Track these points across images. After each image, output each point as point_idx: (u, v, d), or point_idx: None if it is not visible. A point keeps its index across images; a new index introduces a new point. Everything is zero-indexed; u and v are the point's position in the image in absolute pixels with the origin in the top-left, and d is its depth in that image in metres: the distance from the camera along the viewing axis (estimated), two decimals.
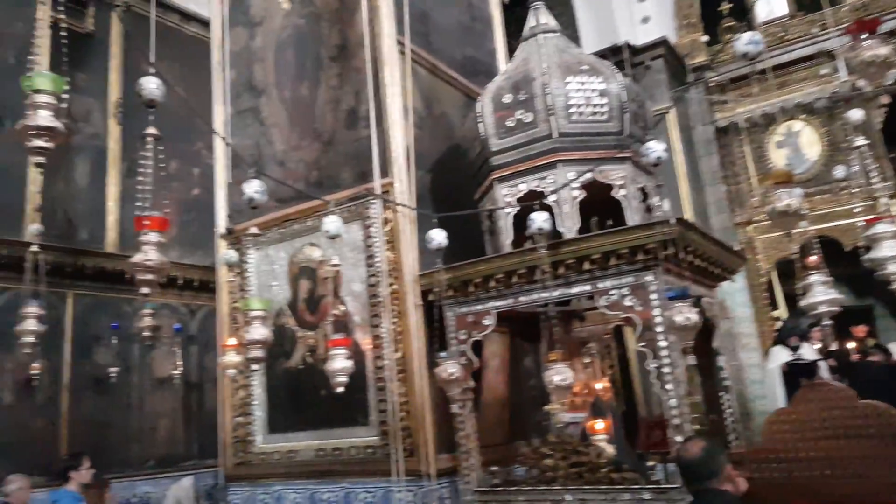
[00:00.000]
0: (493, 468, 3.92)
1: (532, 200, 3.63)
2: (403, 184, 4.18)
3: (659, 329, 3.40)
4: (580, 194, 3.86)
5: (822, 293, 3.14)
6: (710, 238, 4.12)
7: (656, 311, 3.42)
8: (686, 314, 3.07)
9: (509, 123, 4.04)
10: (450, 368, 3.67)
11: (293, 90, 4.88)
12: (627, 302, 3.53)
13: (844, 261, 7.03)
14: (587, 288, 3.66)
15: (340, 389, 3.64)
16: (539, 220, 3.40)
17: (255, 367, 3.60)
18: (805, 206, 3.00)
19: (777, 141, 8.82)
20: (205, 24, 7.60)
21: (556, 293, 3.69)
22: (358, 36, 4.48)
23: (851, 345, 7.86)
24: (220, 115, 5.23)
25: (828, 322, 3.29)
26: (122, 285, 7.39)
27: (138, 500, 6.94)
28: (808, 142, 8.71)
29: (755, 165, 8.97)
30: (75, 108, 7.27)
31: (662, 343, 3.40)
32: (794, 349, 6.68)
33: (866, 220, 3.09)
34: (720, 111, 9.04)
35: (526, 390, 4.72)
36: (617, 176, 3.91)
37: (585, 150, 3.91)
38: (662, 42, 8.97)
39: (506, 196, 4.03)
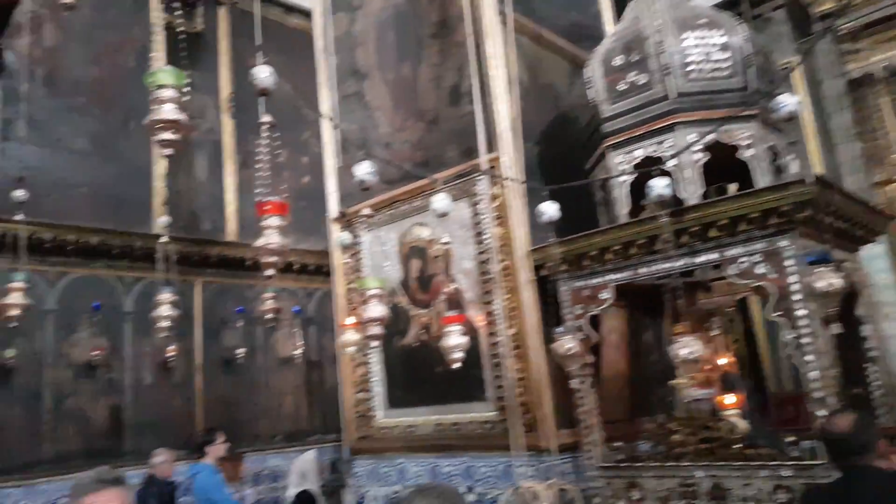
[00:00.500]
0: (617, 444, 3.81)
1: (649, 167, 3.45)
2: (511, 158, 4.10)
3: (797, 297, 3.16)
4: (702, 157, 3.63)
5: None
6: (852, 197, 3.77)
7: (793, 278, 3.17)
8: (828, 279, 2.83)
9: (621, 87, 3.86)
10: (567, 344, 3.57)
11: (395, 71, 4.89)
12: (759, 269, 3.29)
13: None
14: (714, 256, 3.45)
15: (457, 365, 3.65)
16: (659, 186, 3.22)
17: (373, 344, 3.66)
18: None
19: None
20: (306, 14, 7.79)
21: (678, 263, 3.50)
22: (458, 10, 4.41)
23: None
24: (326, 100, 5.33)
25: None
26: (244, 271, 7.78)
27: (269, 473, 7.34)
28: None
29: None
30: (191, 105, 7.67)
31: (801, 312, 3.15)
32: None
33: None
34: (853, 61, 8.26)
35: (647, 365, 4.55)
36: (743, 135, 3.64)
37: (706, 110, 3.67)
38: None
39: (620, 164, 3.86)
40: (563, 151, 4.43)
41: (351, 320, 4.28)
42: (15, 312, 4.83)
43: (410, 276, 4.55)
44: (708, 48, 3.68)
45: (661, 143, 3.73)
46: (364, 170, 3.38)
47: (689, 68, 3.71)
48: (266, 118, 3.33)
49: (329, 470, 6.67)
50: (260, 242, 3.13)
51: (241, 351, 7.47)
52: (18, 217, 5.79)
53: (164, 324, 5.37)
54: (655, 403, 4.41)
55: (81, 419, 6.50)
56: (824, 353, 3.17)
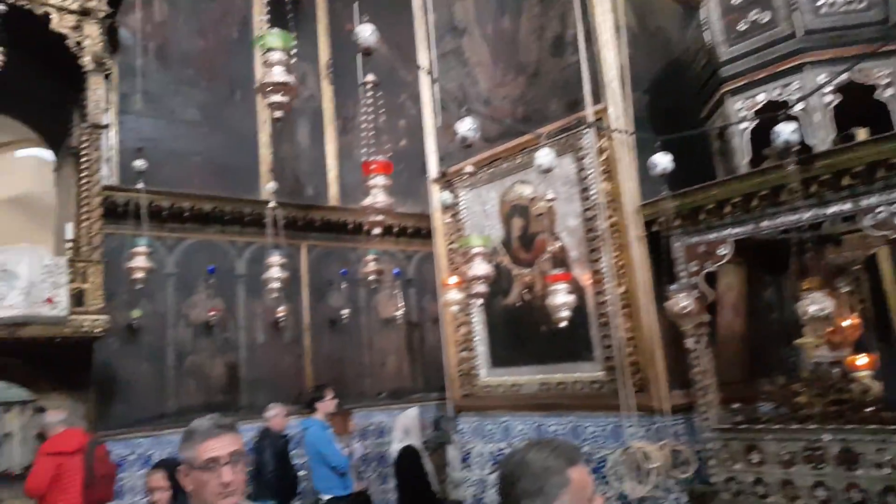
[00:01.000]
0: (735, 405, 3.64)
1: (773, 112, 3.20)
2: (619, 108, 3.92)
3: None
4: (833, 99, 3.33)
5: None
6: None
7: None
8: None
9: (742, 27, 3.58)
10: (682, 302, 3.42)
11: (494, 24, 4.77)
12: None
13: None
14: (847, 206, 3.18)
15: (563, 324, 3.58)
16: (785, 132, 2.98)
17: (477, 302, 3.65)
18: None
19: None
20: None
21: (806, 215, 3.25)
22: None
23: None
24: (424, 58, 5.29)
25: None
26: (346, 235, 7.97)
27: (374, 428, 7.60)
28: None
29: None
30: (294, 71, 7.83)
31: None
32: None
33: None
34: None
35: (766, 325, 4.30)
36: (882, 74, 3.31)
37: (839, 48, 3.35)
38: None
39: (740, 110, 3.61)
40: (675, 100, 4.19)
41: (453, 280, 4.29)
42: (140, 275, 5.15)
43: (512, 236, 4.48)
44: None
45: (786, 85, 3.45)
46: (466, 126, 3.33)
47: (818, 2, 3.39)
48: (370, 77, 3.33)
49: (432, 427, 6.80)
50: (367, 202, 3.16)
51: (345, 312, 7.69)
52: (139, 186, 6.16)
53: (275, 285, 5.58)
54: (775, 364, 4.17)
55: (201, 375, 6.92)
56: None
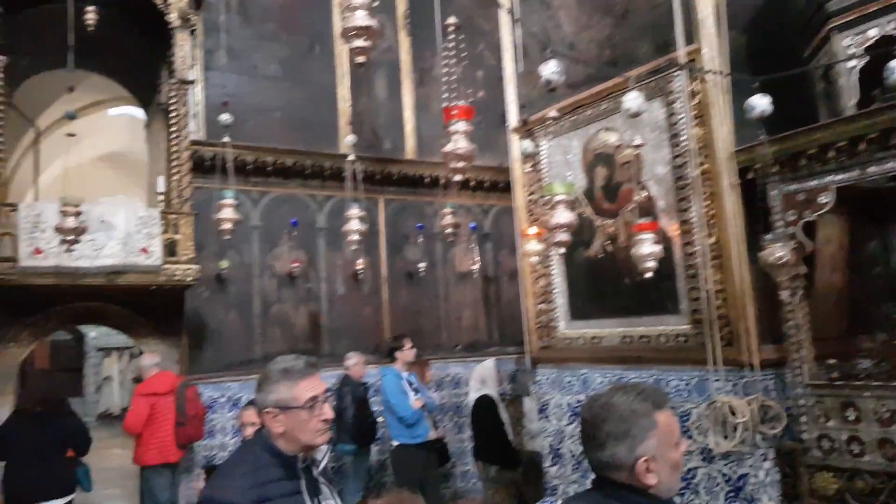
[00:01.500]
0: (830, 361, 3.47)
1: (886, 47, 2.95)
2: (713, 48, 3.70)
3: None
4: None
5: None
6: None
7: None
8: None
9: None
10: (778, 252, 3.25)
11: None
12: None
13: None
14: None
15: (648, 275, 3.48)
16: None
17: (560, 251, 3.59)
18: None
19: None
20: None
21: None
22: None
23: None
24: (505, 2, 5.13)
25: None
26: (423, 188, 8.00)
27: (450, 379, 7.72)
28: None
29: None
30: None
31: None
32: None
33: None
34: None
35: (869, 279, 4.05)
36: None
37: None
38: None
39: (849, 46, 3.35)
40: (775, 39, 3.92)
41: (534, 230, 4.24)
42: (228, 226, 5.33)
43: (595, 185, 4.37)
44: None
45: None
46: (551, 69, 3.23)
47: None
48: (451, 20, 3.28)
49: (508, 380, 6.84)
50: (448, 148, 3.13)
51: (422, 265, 7.77)
52: (225, 139, 6.34)
53: (354, 238, 5.67)
54: (877, 321, 3.94)
55: (285, 324, 7.19)
56: None
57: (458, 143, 3.11)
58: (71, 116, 4.62)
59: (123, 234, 5.90)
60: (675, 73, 3.80)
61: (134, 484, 8.05)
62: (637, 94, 3.31)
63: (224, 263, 6.96)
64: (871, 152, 3.16)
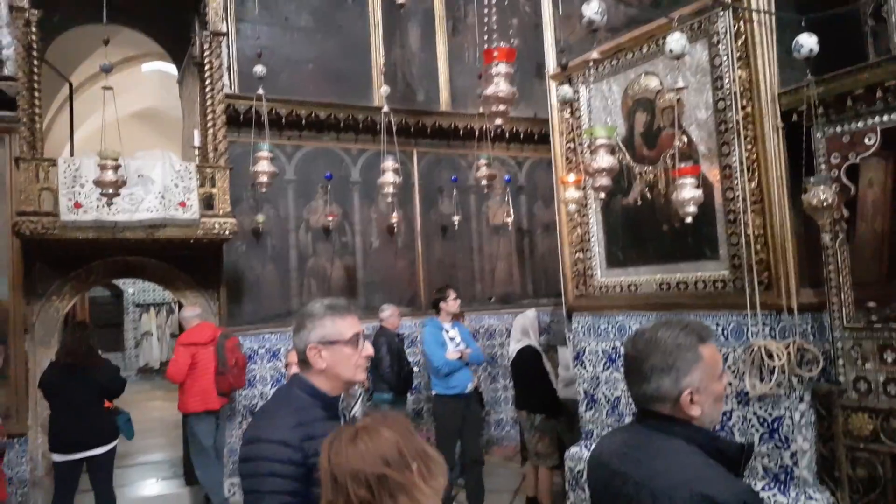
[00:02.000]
0: (870, 304, 3.44)
1: None
2: None
3: None
4: None
5: None
6: None
7: None
8: None
9: None
10: (821, 194, 3.21)
11: None
12: None
13: None
14: None
15: (689, 220, 3.47)
16: None
17: (601, 196, 3.58)
18: None
19: None
20: None
21: None
22: None
23: None
24: None
25: None
26: (457, 141, 7.99)
27: (484, 331, 7.84)
28: None
29: None
30: None
31: None
32: None
33: None
34: None
35: None
36: None
37: None
38: None
39: None
40: None
41: (572, 177, 4.22)
42: (264, 179, 5.39)
43: (635, 132, 4.32)
44: None
45: None
46: (593, 9, 3.18)
47: None
48: None
49: (543, 330, 6.90)
50: (489, 91, 3.12)
51: (456, 218, 7.81)
52: (259, 92, 6.37)
53: (389, 190, 5.69)
54: None
55: (321, 277, 7.32)
56: None
57: (500, 85, 3.10)
58: (107, 69, 4.66)
59: (161, 188, 6.01)
60: (720, 14, 3.70)
61: (176, 433, 8.39)
62: (680, 35, 3.25)
63: (260, 218, 7.08)
64: None
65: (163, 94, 11.00)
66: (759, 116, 3.60)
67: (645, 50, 4.17)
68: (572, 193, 4.15)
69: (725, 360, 3.70)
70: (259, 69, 6.28)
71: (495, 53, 3.09)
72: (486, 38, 3.87)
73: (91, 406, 5.21)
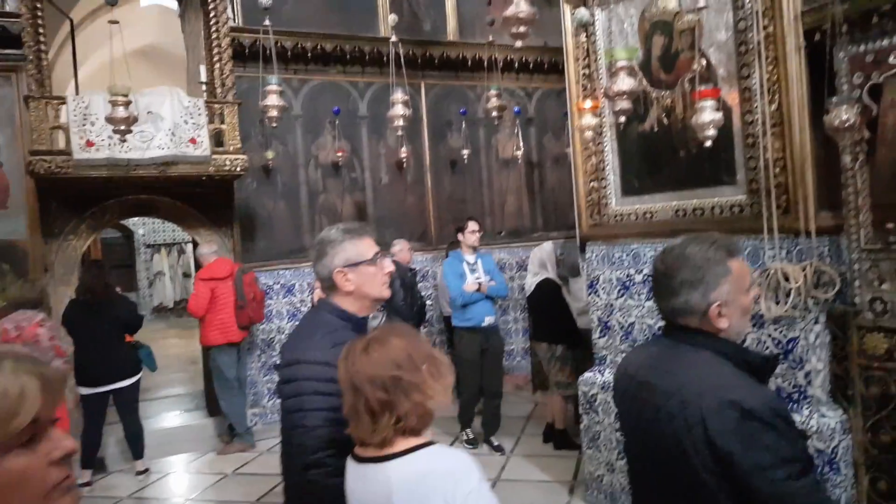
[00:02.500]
0: (888, 225, 3.45)
1: None
2: None
3: None
4: None
5: None
6: None
7: None
8: None
9: None
10: (843, 115, 3.17)
11: None
12: None
13: None
14: None
15: (708, 144, 3.44)
16: None
17: (621, 119, 3.55)
18: None
19: None
20: None
21: None
22: None
23: None
24: None
25: None
26: (465, 72, 7.85)
27: (497, 263, 7.86)
28: None
29: None
30: None
31: None
32: None
33: None
34: None
35: None
36: None
37: None
38: None
39: None
40: None
41: (589, 103, 4.17)
42: (274, 113, 5.34)
43: (652, 56, 4.23)
44: None
45: None
46: None
47: None
48: None
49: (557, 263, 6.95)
50: (509, 12, 3.07)
51: (465, 152, 7.76)
52: (266, 23, 6.24)
53: (399, 123, 5.64)
54: None
55: (332, 213, 7.34)
56: None
57: (520, 6, 3.05)
58: (112, 2, 4.58)
59: (171, 124, 5.98)
60: None
61: (194, 368, 8.60)
62: None
63: (270, 154, 7.05)
64: None
65: (163, 31, 10.77)
66: (780, 36, 3.52)
67: None
68: (588, 120, 4.11)
69: None
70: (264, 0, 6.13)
71: None
72: None
73: (113, 340, 5.35)
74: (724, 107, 3.73)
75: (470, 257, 5.77)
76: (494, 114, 6.18)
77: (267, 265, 7.04)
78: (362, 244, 2.10)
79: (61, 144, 5.66)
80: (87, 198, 6.29)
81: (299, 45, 6.97)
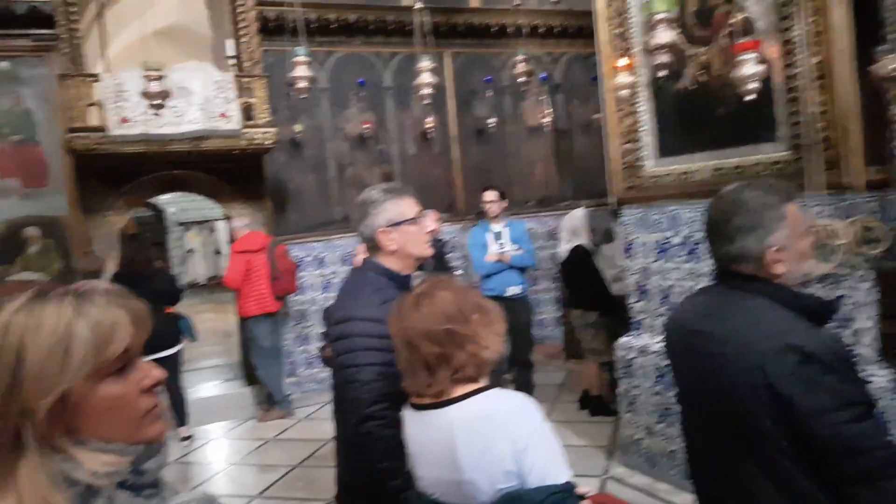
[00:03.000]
0: None
1: None
2: None
3: None
4: None
5: None
6: None
7: None
8: None
9: None
10: (891, 63, 3.08)
11: None
12: None
13: None
14: None
15: (751, 97, 3.37)
16: None
17: (661, 74, 3.48)
18: None
19: None
20: None
21: None
22: None
23: None
24: None
25: None
26: (490, 39, 7.76)
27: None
28: None
29: None
30: None
31: None
32: None
33: None
34: None
35: None
36: None
37: None
38: None
39: None
40: None
41: (624, 61, 4.10)
42: (303, 84, 5.33)
43: (686, 11, 4.13)
44: None
45: None
46: None
47: None
48: None
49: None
50: None
51: (491, 121, 7.70)
52: None
53: (426, 91, 5.59)
54: None
55: (360, 185, 7.33)
56: None
57: None
58: None
59: (202, 99, 6.02)
60: None
61: (230, 341, 8.74)
62: None
63: (298, 127, 7.07)
64: None
65: (184, 10, 10.75)
66: None
67: None
68: (622, 79, 4.04)
69: None
70: None
71: None
72: None
73: (154, 311, 5.43)
74: (764, 60, 3.64)
75: (496, 226, 5.71)
76: (522, 79, 6.10)
77: (298, 238, 7.09)
78: (404, 204, 2.11)
79: (96, 122, 5.73)
80: (123, 174, 6.38)
81: (322, 17, 6.93)
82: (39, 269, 5.95)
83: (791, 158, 3.68)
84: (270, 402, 6.36)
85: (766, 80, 3.56)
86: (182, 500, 0.99)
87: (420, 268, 6.41)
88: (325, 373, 6.04)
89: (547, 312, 8.07)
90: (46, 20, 5.75)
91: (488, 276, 5.62)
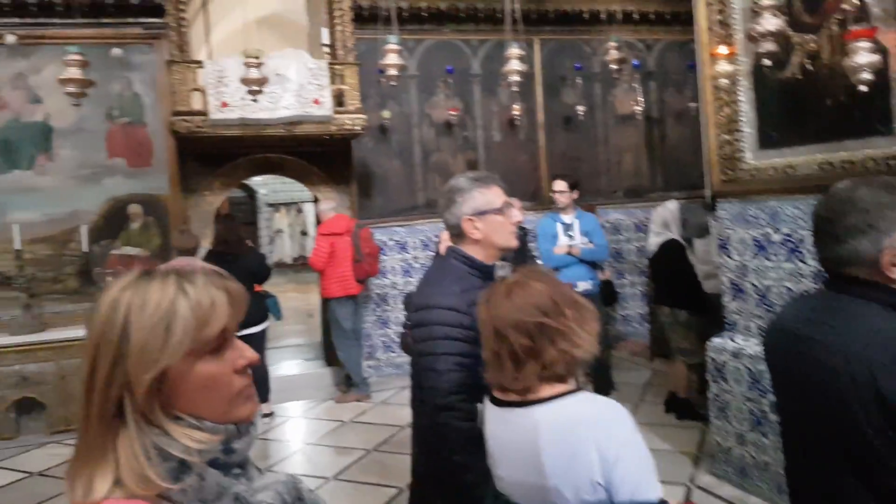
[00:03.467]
0: None
1: None
2: None
3: None
4: None
5: None
6: None
7: None
8: None
9: None
10: None
11: None
12: None
13: None
14: None
15: (863, 88, 3.15)
16: None
17: (766, 62, 3.30)
18: None
19: None
20: None
21: None
22: None
23: None
24: None
25: None
26: (581, 25, 7.60)
27: (610, 225, 7.68)
28: None
29: None
30: None
31: None
32: None
33: None
34: None
35: None
36: None
37: None
38: None
39: None
40: None
41: (724, 49, 3.92)
42: (394, 72, 5.39)
43: None
44: None
45: None
46: None
47: None
48: None
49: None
50: None
51: (580, 108, 7.55)
52: None
53: (515, 78, 5.54)
54: None
55: (445, 172, 7.38)
56: None
57: None
58: None
59: (297, 86, 6.19)
60: None
61: (312, 321, 9.01)
62: None
63: (386, 114, 7.17)
64: None
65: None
66: None
67: None
68: (722, 67, 3.86)
69: None
70: None
71: None
72: None
73: (244, 290, 5.68)
74: (878, 49, 3.39)
75: (567, 217, 5.52)
76: (614, 67, 5.94)
77: (382, 222, 7.21)
78: (490, 193, 2.08)
79: (198, 106, 6.01)
80: (220, 156, 6.66)
81: (413, 5, 6.98)
82: (139, 244, 6.31)
83: None
84: (349, 383, 6.51)
85: (881, 70, 3.32)
86: (267, 482, 1.00)
87: (502, 258, 6.40)
88: (403, 357, 6.14)
89: (632, 308, 7.88)
90: (157, 10, 6.06)
91: (556, 269, 5.46)
